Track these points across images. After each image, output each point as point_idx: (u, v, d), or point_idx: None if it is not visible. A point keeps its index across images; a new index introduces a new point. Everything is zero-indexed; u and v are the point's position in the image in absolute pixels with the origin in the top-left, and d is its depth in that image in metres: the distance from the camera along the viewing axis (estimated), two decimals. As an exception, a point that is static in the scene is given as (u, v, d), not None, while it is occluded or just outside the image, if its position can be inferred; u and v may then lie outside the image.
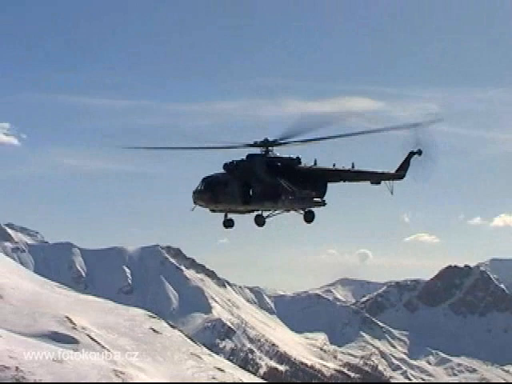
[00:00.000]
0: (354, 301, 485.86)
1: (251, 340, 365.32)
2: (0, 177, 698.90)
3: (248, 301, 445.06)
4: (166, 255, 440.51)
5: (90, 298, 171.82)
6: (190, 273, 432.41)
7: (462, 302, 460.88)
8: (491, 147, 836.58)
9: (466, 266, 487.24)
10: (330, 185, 49.93)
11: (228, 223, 49.14)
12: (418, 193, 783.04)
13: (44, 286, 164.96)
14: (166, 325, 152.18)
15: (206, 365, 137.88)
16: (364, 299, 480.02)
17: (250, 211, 48.63)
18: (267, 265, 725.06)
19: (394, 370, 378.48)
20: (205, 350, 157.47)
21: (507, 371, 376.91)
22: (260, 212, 48.84)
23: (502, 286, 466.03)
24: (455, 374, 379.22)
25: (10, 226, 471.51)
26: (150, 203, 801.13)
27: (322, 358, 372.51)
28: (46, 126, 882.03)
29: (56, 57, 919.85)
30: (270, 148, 48.28)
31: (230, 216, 49.00)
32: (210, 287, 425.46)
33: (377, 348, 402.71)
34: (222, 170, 47.41)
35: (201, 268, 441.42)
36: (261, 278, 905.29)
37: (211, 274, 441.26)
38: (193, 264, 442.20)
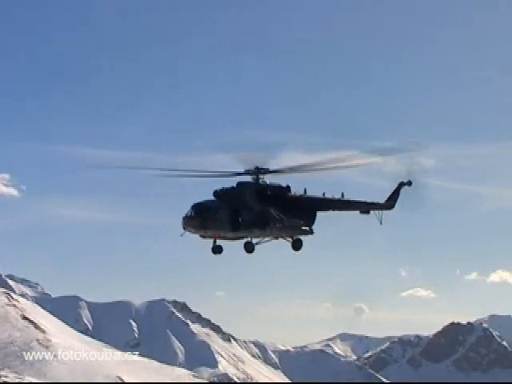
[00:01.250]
0: (353, 355, 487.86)
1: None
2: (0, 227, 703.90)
3: (253, 355, 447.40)
4: (173, 309, 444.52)
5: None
6: (195, 327, 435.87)
7: (464, 358, 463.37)
8: (488, 203, 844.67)
9: (468, 322, 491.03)
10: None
11: (217, 249, 49.05)
12: (414, 247, 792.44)
13: (91, 344, 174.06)
14: None
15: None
16: (367, 355, 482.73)
17: (239, 238, 48.67)
18: (263, 317, 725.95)
19: None
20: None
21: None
22: (249, 239, 48.88)
23: (505, 343, 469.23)
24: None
25: (11, 277, 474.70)
26: (155, 255, 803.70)
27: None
28: (45, 176, 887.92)
29: (56, 107, 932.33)
30: (260, 176, 48.44)
31: (218, 242, 48.92)
32: (215, 342, 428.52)
33: None
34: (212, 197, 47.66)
35: (206, 322, 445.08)
36: (258, 331, 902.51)
37: (216, 329, 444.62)
38: (198, 318, 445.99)
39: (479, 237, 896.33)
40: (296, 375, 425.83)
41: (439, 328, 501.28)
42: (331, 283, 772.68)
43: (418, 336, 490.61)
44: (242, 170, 48.22)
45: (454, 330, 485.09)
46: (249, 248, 48.86)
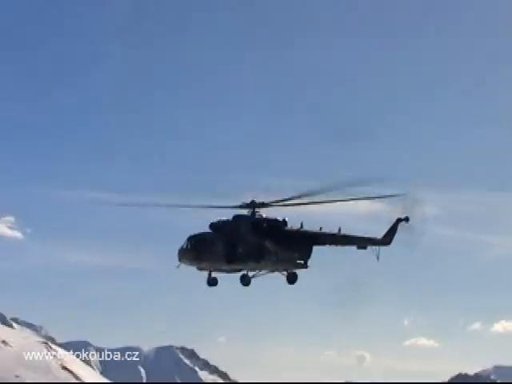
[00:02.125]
0: None
1: None
2: (4, 270, 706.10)
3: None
4: (181, 356, 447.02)
5: None
6: (203, 374, 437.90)
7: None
8: (491, 251, 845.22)
9: (475, 374, 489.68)
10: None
11: (212, 282, 49.26)
12: (417, 296, 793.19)
13: None
14: None
15: None
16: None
17: (234, 270, 48.71)
18: (266, 364, 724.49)
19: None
20: None
21: None
22: (246, 272, 48.77)
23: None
24: None
25: (15, 320, 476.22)
26: (160, 300, 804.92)
27: None
28: (50, 220, 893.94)
29: (60, 151, 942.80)
30: (256, 209, 48.54)
31: (214, 275, 49.04)
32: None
33: None
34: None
35: (214, 369, 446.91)
36: (264, 377, 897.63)
37: (224, 376, 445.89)
38: (206, 365, 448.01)
39: (482, 286, 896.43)
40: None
41: (444, 378, 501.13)
42: (334, 331, 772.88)
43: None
44: (238, 204, 48.39)
45: (461, 381, 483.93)
46: (245, 281, 48.91)
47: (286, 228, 49.34)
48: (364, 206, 52.97)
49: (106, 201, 56.95)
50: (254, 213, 48.51)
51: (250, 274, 49.08)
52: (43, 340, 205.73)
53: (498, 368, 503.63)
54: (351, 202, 50.28)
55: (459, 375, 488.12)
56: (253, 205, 48.46)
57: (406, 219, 50.51)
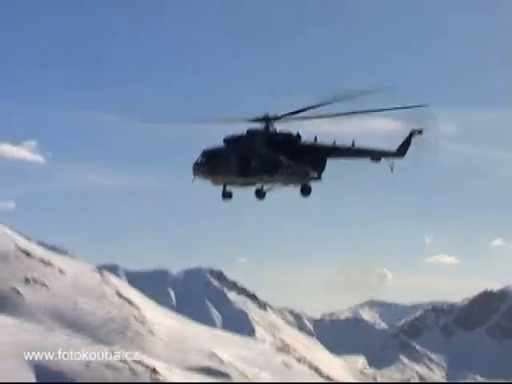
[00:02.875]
0: (382, 322, 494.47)
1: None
2: (27, 194, 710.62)
3: (288, 323, 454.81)
4: (209, 278, 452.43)
5: (218, 331, 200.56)
6: (232, 295, 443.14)
7: (498, 326, 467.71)
8: (509, 168, 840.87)
9: (500, 290, 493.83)
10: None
11: (227, 195, 49.09)
12: (438, 213, 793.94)
13: (177, 319, 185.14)
14: (293, 359, 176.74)
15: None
16: (401, 323, 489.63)
17: (248, 184, 48.93)
18: (285, 284, 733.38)
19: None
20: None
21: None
22: (259, 186, 49.42)
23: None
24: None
25: (42, 243, 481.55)
26: (179, 222, 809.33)
27: (361, 381, 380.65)
28: (71, 143, 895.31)
29: (83, 76, 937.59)
30: (269, 123, 48.19)
31: (228, 189, 48.86)
32: (252, 310, 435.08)
33: (415, 371, 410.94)
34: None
35: (242, 291, 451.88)
36: (283, 297, 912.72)
37: (252, 297, 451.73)
38: (234, 286, 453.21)
39: (503, 203, 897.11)
40: (330, 343, 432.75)
41: (466, 295, 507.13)
42: (356, 249, 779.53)
43: (450, 304, 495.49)
44: (252, 117, 48.08)
45: (486, 298, 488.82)
46: (260, 195, 49.73)
47: (300, 142, 49.42)
48: (377, 124, 52.58)
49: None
50: (267, 127, 48.30)
51: (265, 187, 49.59)
52: (96, 268, 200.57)
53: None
54: (364, 121, 50.23)
55: (485, 292, 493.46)
56: (266, 118, 48.15)
57: (420, 131, 50.81)
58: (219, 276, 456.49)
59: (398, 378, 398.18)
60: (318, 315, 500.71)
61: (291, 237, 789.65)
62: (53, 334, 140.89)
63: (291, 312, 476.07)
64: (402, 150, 51.03)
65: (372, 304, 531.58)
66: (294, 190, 49.57)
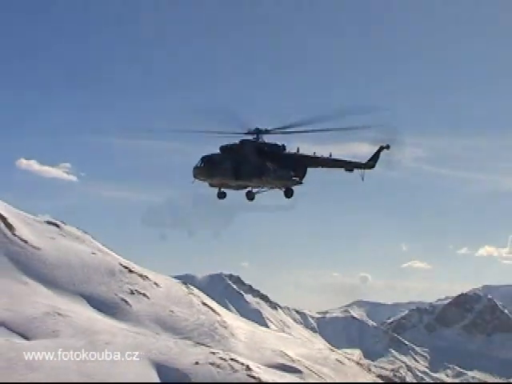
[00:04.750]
0: (368, 319, 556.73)
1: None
2: (59, 209, 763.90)
3: (295, 321, 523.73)
4: (229, 282, 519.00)
5: (279, 333, 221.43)
6: (248, 297, 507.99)
7: (472, 324, 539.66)
8: (472, 187, 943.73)
9: (474, 293, 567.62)
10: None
11: (221, 195, 54.62)
12: (413, 225, 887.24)
13: (249, 324, 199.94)
14: (343, 357, 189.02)
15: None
16: (389, 321, 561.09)
17: (240, 187, 54.29)
18: (283, 285, 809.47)
19: (418, 382, 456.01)
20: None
21: None
22: (250, 188, 54.66)
23: (506, 311, 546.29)
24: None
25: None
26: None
27: (361, 370, 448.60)
28: (101, 165, 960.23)
29: (113, 102, 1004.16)
30: (259, 135, 53.55)
31: (222, 190, 54.45)
32: (265, 309, 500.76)
33: (403, 362, 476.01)
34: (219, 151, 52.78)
35: (257, 293, 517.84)
36: (281, 298, 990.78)
37: (265, 298, 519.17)
38: (250, 289, 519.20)
39: (468, 216, 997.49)
40: (332, 338, 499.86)
41: (437, 296, 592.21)
42: (340, 255, 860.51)
43: (432, 306, 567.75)
44: (245, 131, 53.20)
45: (462, 300, 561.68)
46: (250, 196, 54.35)
47: (284, 151, 54.96)
48: (357, 148, 58.75)
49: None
50: (257, 138, 53.64)
51: (254, 190, 54.69)
52: (180, 281, 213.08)
53: (486, 287, 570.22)
54: (346, 145, 56.60)
55: (461, 295, 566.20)
56: (257, 131, 53.39)
57: (387, 147, 55.85)
58: (237, 280, 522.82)
59: (388, 368, 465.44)
60: (314, 314, 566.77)
61: (283, 243, 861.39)
62: (161, 336, 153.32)
63: (297, 311, 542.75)
64: (372, 163, 56.02)
65: (360, 304, 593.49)
66: (279, 192, 55.28)
